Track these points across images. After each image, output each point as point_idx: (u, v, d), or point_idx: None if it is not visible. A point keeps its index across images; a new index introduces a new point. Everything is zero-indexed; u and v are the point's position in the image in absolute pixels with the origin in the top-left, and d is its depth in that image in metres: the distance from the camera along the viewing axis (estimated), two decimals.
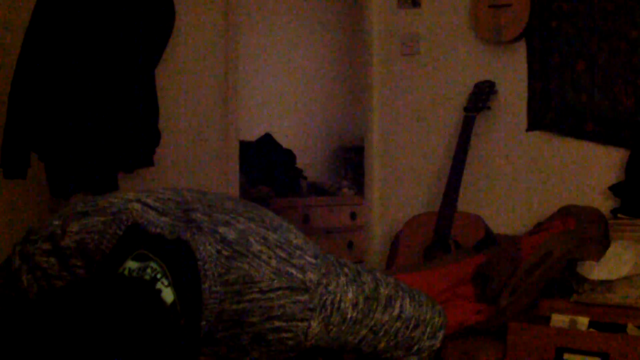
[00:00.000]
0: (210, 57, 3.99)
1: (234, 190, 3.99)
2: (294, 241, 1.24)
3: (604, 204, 3.03)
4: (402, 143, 3.59)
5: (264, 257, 1.19)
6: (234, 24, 4.01)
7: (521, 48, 3.27)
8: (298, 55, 5.88)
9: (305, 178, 5.52)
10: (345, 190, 5.55)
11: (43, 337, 0.88)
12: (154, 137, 3.64)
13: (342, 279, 1.27)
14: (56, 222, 1.18)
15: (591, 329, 2.47)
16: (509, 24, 3.22)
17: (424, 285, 2.58)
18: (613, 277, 2.56)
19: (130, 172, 3.65)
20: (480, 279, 2.69)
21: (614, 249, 2.66)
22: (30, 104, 3.34)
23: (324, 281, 1.23)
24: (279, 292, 1.18)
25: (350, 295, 1.27)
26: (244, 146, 4.49)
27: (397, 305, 1.36)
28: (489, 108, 3.27)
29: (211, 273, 1.13)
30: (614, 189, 3.01)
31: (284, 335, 1.20)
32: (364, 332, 1.30)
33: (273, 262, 1.19)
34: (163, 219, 1.17)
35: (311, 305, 1.21)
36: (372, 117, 3.67)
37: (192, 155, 3.98)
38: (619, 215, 2.89)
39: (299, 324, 1.20)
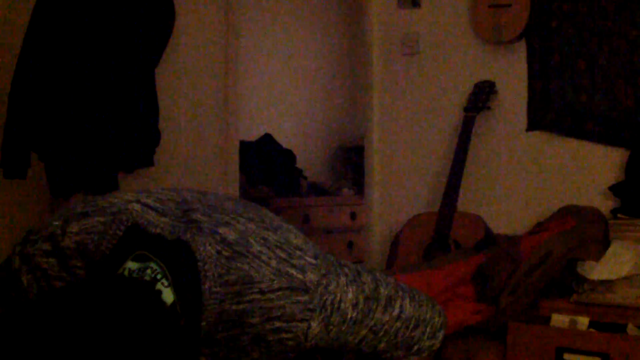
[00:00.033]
0: (210, 57, 3.99)
1: (234, 190, 3.99)
2: (294, 241, 1.24)
3: (604, 204, 3.03)
4: (402, 143, 3.59)
5: (264, 257, 1.19)
6: (234, 24, 4.01)
7: (521, 48, 3.27)
8: (298, 55, 5.88)
9: (305, 178, 5.52)
10: (345, 190, 5.55)
11: (43, 339, 0.88)
12: (154, 137, 3.64)
13: (342, 279, 1.27)
14: (56, 223, 1.18)
15: (591, 329, 2.47)
16: (509, 24, 3.22)
17: (424, 285, 2.58)
18: (613, 277, 2.56)
19: (130, 172, 3.65)
20: (480, 279, 2.69)
21: (614, 249, 2.66)
22: (30, 104, 3.34)
23: (324, 281, 1.23)
24: (279, 293, 1.18)
25: (350, 295, 1.27)
26: (244, 146, 4.49)
27: (397, 305, 1.36)
28: (489, 108, 3.27)
29: (211, 274, 1.13)
30: (614, 189, 3.01)
31: (284, 335, 1.20)
32: (364, 332, 1.30)
33: (273, 263, 1.19)
34: (163, 219, 1.17)
35: (311, 306, 1.21)
36: (372, 117, 3.67)
37: (192, 155, 3.98)
38: (619, 215, 2.89)
39: (299, 324, 1.20)
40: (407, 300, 1.38)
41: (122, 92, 3.45)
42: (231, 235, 1.19)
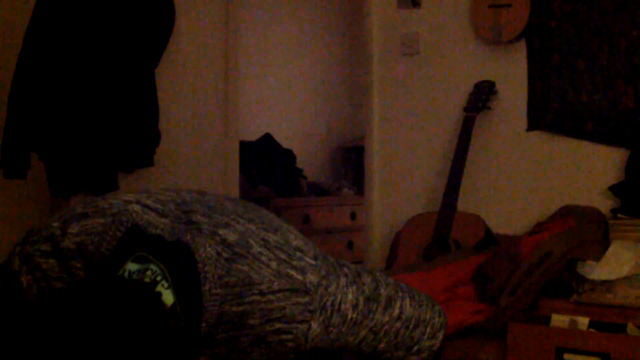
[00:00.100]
0: (210, 57, 3.99)
1: (234, 190, 3.99)
2: (294, 243, 1.25)
3: (604, 204, 3.03)
4: (402, 143, 3.59)
5: (264, 259, 1.19)
6: (234, 24, 4.01)
7: (521, 48, 3.27)
8: (298, 55, 5.88)
9: (305, 178, 5.53)
10: (345, 190, 5.55)
11: (43, 340, 0.88)
12: (154, 137, 3.65)
13: (342, 280, 1.27)
14: (56, 224, 1.18)
15: (591, 329, 2.47)
16: (509, 24, 3.22)
17: (424, 285, 2.58)
18: (613, 277, 2.56)
19: (130, 172, 3.66)
20: (480, 279, 2.68)
21: (614, 249, 2.66)
22: (30, 104, 3.34)
23: (324, 283, 1.23)
24: (279, 294, 1.18)
25: (350, 296, 1.27)
26: (244, 146, 4.49)
27: (397, 305, 1.36)
28: (489, 108, 3.27)
29: (211, 275, 1.13)
30: (614, 189, 3.01)
31: (284, 337, 1.20)
32: (364, 332, 1.30)
33: (273, 264, 1.19)
34: (163, 220, 1.17)
35: (311, 307, 1.21)
36: (372, 117, 3.67)
37: (192, 155, 3.98)
38: (619, 215, 2.89)
39: (299, 325, 1.20)
40: (407, 301, 1.38)
41: (122, 92, 3.46)
42: (231, 237, 1.19)
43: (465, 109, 3.27)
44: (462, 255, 2.88)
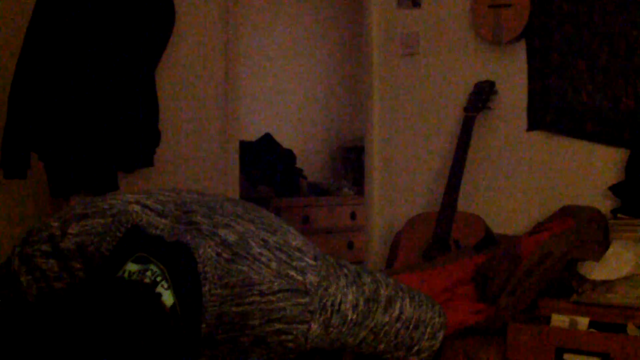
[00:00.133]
0: (210, 57, 3.99)
1: (234, 190, 3.99)
2: (294, 243, 1.24)
3: (604, 204, 3.03)
4: (402, 143, 3.59)
5: (264, 259, 1.19)
6: (234, 24, 4.01)
7: (521, 48, 3.27)
8: (298, 55, 5.88)
9: (305, 178, 5.52)
10: (345, 190, 5.55)
11: (43, 340, 0.88)
12: (154, 137, 3.65)
13: (342, 280, 1.27)
14: (56, 224, 1.18)
15: (591, 329, 2.47)
16: (509, 24, 3.22)
17: (424, 285, 2.58)
18: (613, 277, 2.56)
19: (130, 172, 3.66)
20: (480, 279, 2.68)
21: (614, 249, 2.66)
22: (30, 104, 3.34)
23: (324, 283, 1.23)
24: (279, 295, 1.18)
25: (350, 297, 1.27)
26: (244, 146, 4.49)
27: (397, 306, 1.36)
28: (489, 108, 3.27)
29: (211, 276, 1.13)
30: (614, 189, 3.01)
31: (284, 337, 1.20)
32: (364, 333, 1.30)
33: (273, 265, 1.19)
34: (163, 220, 1.17)
35: (311, 308, 1.21)
36: (372, 117, 3.67)
37: (192, 155, 3.98)
38: (619, 215, 2.89)
39: (299, 326, 1.20)
40: (407, 301, 1.38)
41: (122, 92, 3.46)
42: (231, 237, 1.19)
43: (465, 109, 3.27)
44: (462, 255, 2.88)
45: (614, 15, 3.04)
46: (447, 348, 2.51)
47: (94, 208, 1.19)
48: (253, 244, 1.20)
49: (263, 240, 1.21)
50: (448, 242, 3.06)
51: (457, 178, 3.14)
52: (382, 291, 1.34)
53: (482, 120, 3.30)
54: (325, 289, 1.23)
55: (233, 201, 1.31)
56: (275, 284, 1.18)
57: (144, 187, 3.74)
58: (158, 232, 1.14)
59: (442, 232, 3.08)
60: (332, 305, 1.24)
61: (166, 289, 1.04)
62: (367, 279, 1.33)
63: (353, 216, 5.42)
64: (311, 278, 1.22)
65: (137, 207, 1.18)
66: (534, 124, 3.25)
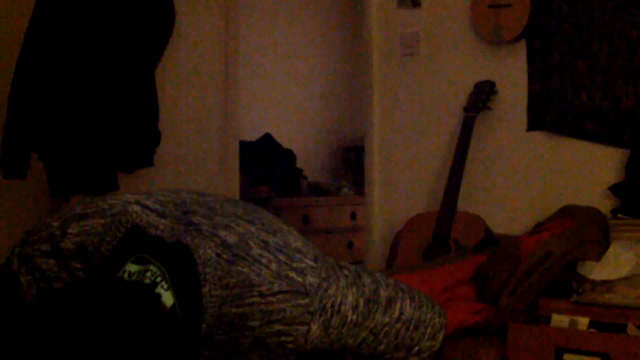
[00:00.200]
0: (210, 57, 3.99)
1: (234, 190, 3.99)
2: (294, 244, 1.24)
3: (604, 204, 3.02)
4: (402, 143, 3.59)
5: (264, 260, 1.19)
6: (234, 24, 4.01)
7: (521, 48, 3.26)
8: (298, 55, 5.88)
9: (305, 178, 5.52)
10: (345, 190, 5.55)
11: (43, 341, 0.88)
12: (154, 137, 3.65)
13: (342, 281, 1.27)
14: (55, 224, 1.18)
15: (591, 329, 2.47)
16: (509, 24, 3.22)
17: (424, 285, 2.58)
18: (613, 277, 2.56)
19: (130, 172, 3.66)
20: (480, 279, 2.68)
21: (614, 249, 2.66)
22: (30, 104, 3.34)
23: (324, 284, 1.23)
24: (279, 296, 1.18)
25: (350, 298, 1.27)
26: (244, 146, 4.49)
27: (397, 306, 1.36)
28: (489, 108, 3.27)
29: (211, 277, 1.13)
30: (614, 189, 3.01)
31: (284, 338, 1.20)
32: (364, 334, 1.30)
33: (273, 266, 1.19)
34: (163, 221, 1.17)
35: (311, 309, 1.21)
36: (372, 117, 3.67)
37: (192, 155, 3.98)
38: (619, 215, 2.89)
39: (299, 327, 1.20)
40: (407, 302, 1.38)
41: (122, 92, 3.46)
42: (231, 238, 1.18)
43: (465, 109, 3.27)
44: (462, 255, 2.88)
45: (614, 15, 3.04)
46: (447, 348, 2.51)
47: (94, 208, 1.19)
48: (253, 245, 1.20)
49: (263, 241, 1.21)
50: (448, 242, 3.06)
51: (457, 178, 3.14)
52: (382, 292, 1.34)
53: (482, 120, 3.30)
54: (325, 290, 1.23)
55: (233, 202, 1.31)
56: (275, 285, 1.18)
57: (144, 187, 3.74)
58: (158, 232, 1.14)
59: (442, 232, 3.08)
60: (332, 306, 1.24)
61: (166, 290, 1.04)
62: (367, 280, 1.33)
63: (353, 216, 5.42)
64: (311, 279, 1.22)
65: (137, 208, 1.18)
66: (534, 124, 3.25)
